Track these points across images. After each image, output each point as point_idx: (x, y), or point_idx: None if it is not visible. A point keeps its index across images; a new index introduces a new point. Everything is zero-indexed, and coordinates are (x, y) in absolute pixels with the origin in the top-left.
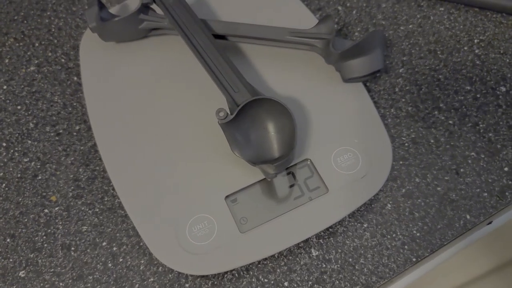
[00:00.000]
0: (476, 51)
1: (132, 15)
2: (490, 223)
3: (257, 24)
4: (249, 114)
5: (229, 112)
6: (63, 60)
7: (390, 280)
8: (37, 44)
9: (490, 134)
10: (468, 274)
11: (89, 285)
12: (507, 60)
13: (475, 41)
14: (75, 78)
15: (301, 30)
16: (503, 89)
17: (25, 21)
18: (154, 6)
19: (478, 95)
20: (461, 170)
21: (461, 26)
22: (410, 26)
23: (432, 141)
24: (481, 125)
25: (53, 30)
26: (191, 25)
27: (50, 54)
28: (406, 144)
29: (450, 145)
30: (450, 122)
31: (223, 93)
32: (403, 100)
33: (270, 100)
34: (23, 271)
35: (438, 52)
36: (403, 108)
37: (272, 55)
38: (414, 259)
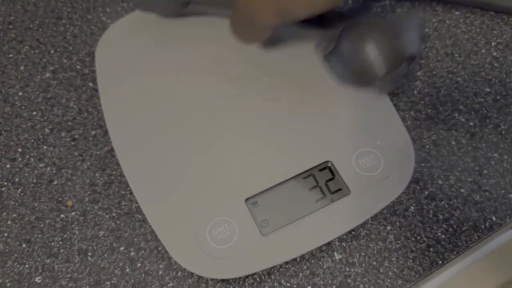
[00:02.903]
0: (494, 53)
1: None
2: None
3: None
4: (347, 39)
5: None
6: (78, 67)
7: (416, 283)
8: (52, 51)
9: None
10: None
11: None
12: None
13: (493, 44)
14: (91, 84)
15: None
16: None
17: (40, 29)
18: None
19: (498, 97)
20: (484, 171)
21: (478, 30)
22: (426, 30)
23: (453, 143)
24: (502, 127)
25: (69, 37)
26: None
27: (65, 61)
28: (427, 146)
29: (472, 147)
30: (471, 123)
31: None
32: (422, 102)
33: (366, 21)
34: (39, 277)
35: (456, 55)
36: (423, 110)
37: (291, 55)
38: (440, 262)
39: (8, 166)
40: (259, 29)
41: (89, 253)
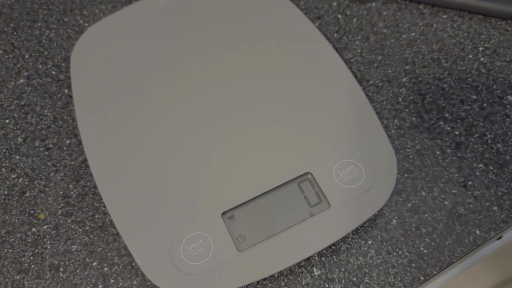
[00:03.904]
0: (481, 59)
1: None
2: (500, 238)
3: None
4: None
5: None
6: (54, 72)
7: None
8: (27, 56)
9: (499, 145)
10: None
11: None
12: None
13: (480, 49)
14: (66, 91)
15: None
16: (511, 98)
17: (15, 33)
18: None
19: (484, 105)
20: (469, 182)
21: (465, 34)
22: (413, 34)
23: (438, 152)
24: (488, 136)
25: (44, 41)
26: None
27: (40, 66)
28: (411, 156)
29: (457, 157)
30: (456, 132)
31: None
32: (407, 110)
33: None
34: None
35: (442, 61)
36: (407, 118)
37: (272, 60)
38: (422, 278)
39: None
40: None
41: (61, 269)
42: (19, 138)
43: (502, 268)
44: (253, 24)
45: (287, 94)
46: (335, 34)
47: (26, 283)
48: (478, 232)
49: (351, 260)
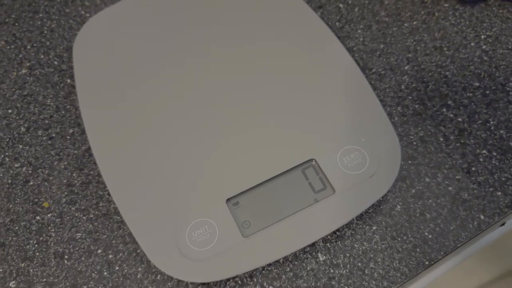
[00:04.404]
0: (484, 47)
1: None
2: (503, 224)
3: None
4: None
5: None
6: (56, 63)
7: (402, 285)
8: (29, 47)
9: (502, 131)
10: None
11: None
12: None
13: (482, 37)
14: (69, 81)
15: None
16: None
17: (17, 24)
18: None
19: (487, 92)
20: (473, 168)
21: (467, 22)
22: (415, 22)
23: (441, 139)
24: (491, 122)
25: (46, 32)
26: None
27: (42, 56)
28: (415, 143)
29: (460, 143)
30: (459, 119)
31: None
32: (410, 97)
33: None
34: (14, 282)
35: (445, 49)
36: (410, 106)
37: (276, 49)
38: (427, 262)
39: None
40: None
41: (66, 256)
42: (22, 128)
43: (505, 257)
44: (257, 14)
45: (292, 82)
46: (337, 23)
47: (31, 270)
48: (482, 217)
49: (356, 245)
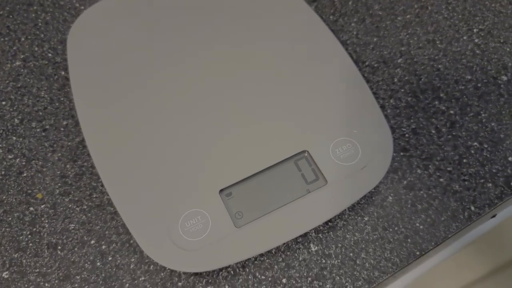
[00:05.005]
0: (476, 40)
1: None
2: (494, 216)
3: None
4: None
5: None
6: (50, 55)
7: (393, 275)
8: (23, 39)
9: (493, 124)
10: (461, 280)
11: (76, 285)
12: (508, 49)
13: (475, 30)
14: (63, 73)
15: None
16: (505, 78)
17: (11, 16)
18: None
19: (479, 85)
20: (464, 160)
21: (460, 16)
22: (408, 16)
23: (433, 131)
24: (483, 115)
25: (40, 24)
26: None
27: (36, 48)
28: (407, 135)
29: (452, 135)
30: (451, 112)
31: None
32: (403, 90)
33: None
34: (7, 272)
35: (437, 42)
36: (403, 98)
37: (269, 41)
38: (418, 253)
39: None
40: None
41: (59, 247)
42: (16, 120)
43: (497, 251)
44: (250, 7)
45: (285, 74)
46: (331, 17)
47: (24, 261)
48: (473, 208)
49: (347, 236)
